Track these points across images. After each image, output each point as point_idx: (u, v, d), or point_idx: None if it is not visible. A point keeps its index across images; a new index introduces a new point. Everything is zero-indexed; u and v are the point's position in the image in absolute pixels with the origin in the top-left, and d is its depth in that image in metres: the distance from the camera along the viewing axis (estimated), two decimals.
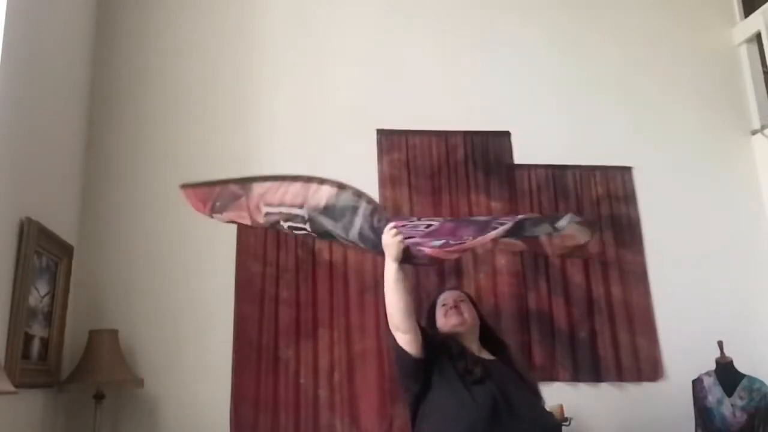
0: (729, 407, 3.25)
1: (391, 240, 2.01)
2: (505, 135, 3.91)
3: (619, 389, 3.63)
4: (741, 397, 3.25)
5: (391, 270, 2.02)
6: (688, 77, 4.28)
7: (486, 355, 2.27)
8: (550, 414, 2.26)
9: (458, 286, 3.60)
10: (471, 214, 3.76)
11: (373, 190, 3.38)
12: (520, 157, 3.89)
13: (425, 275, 3.61)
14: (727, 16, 4.51)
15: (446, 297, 2.36)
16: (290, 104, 3.81)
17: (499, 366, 2.22)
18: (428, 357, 2.10)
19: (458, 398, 2.04)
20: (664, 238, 3.89)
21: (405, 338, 2.06)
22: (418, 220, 2.46)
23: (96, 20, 3.75)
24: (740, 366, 3.34)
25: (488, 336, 2.36)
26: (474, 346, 2.26)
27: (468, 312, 2.29)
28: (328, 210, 2.11)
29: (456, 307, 2.29)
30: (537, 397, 2.27)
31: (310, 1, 4.09)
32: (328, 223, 2.13)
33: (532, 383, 2.30)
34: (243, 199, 2.24)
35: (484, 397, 2.01)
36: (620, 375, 3.62)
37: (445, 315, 2.28)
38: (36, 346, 2.86)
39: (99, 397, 3.03)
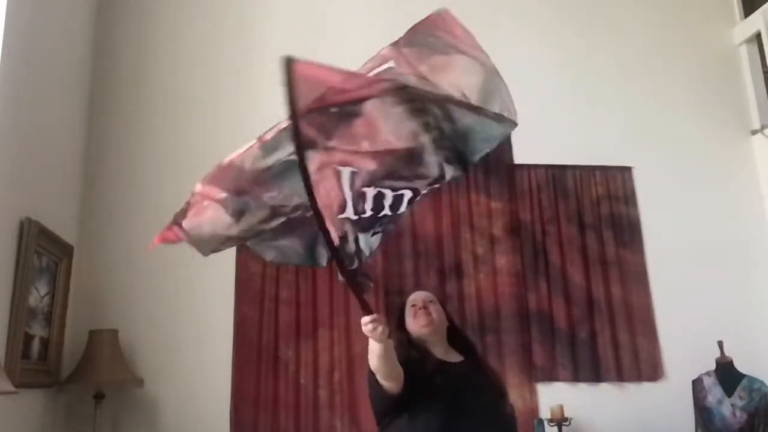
0: (729, 407, 3.25)
1: (371, 335, 1.87)
2: None
3: (619, 389, 3.63)
4: (741, 397, 3.25)
5: (375, 348, 1.96)
6: (689, 77, 4.28)
7: (453, 357, 2.27)
8: (509, 417, 2.27)
9: (458, 287, 3.62)
10: (471, 214, 3.76)
11: None
12: (520, 157, 3.89)
13: (426, 276, 3.61)
14: (727, 16, 4.51)
15: (415, 298, 2.37)
16: None
17: (462, 369, 2.22)
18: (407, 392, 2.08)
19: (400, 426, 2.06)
20: (664, 238, 3.89)
21: (389, 384, 2.05)
22: None
23: (96, 20, 3.74)
24: (740, 366, 3.34)
25: (457, 337, 2.36)
26: (440, 347, 2.27)
27: (436, 313, 2.30)
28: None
29: (425, 308, 2.30)
30: (501, 398, 2.28)
31: (311, 0, 4.10)
32: None
33: (498, 384, 2.32)
34: None
35: (429, 420, 2.03)
36: (620, 375, 3.62)
37: (414, 316, 2.29)
38: (36, 346, 2.86)
39: (99, 397, 3.03)
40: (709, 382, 3.34)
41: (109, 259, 3.44)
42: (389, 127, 1.69)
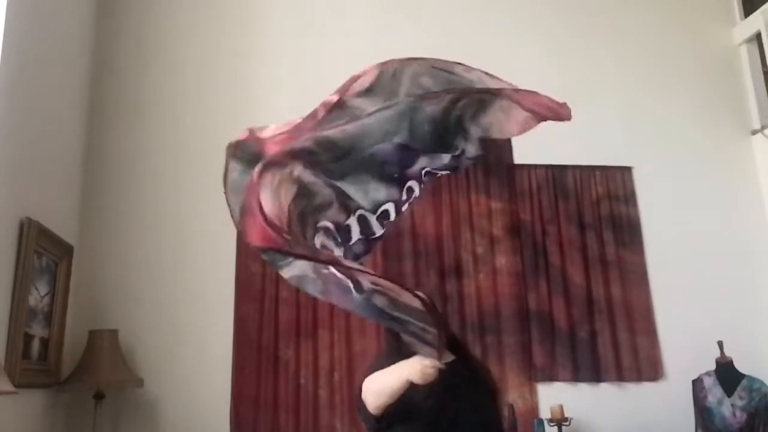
0: (729, 407, 3.25)
1: (424, 377, 1.91)
2: None
3: (619, 389, 3.63)
4: (741, 397, 3.25)
5: (402, 382, 1.96)
6: (688, 77, 4.28)
7: (444, 357, 2.27)
8: (497, 416, 2.27)
9: (458, 287, 3.62)
10: (471, 214, 3.76)
11: None
12: (520, 157, 3.89)
13: (426, 276, 3.61)
14: (727, 16, 4.51)
15: None
16: (292, 103, 3.79)
17: (451, 368, 2.21)
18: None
19: None
20: (664, 238, 3.89)
21: (376, 411, 2.07)
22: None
23: (96, 20, 3.74)
24: (740, 366, 3.34)
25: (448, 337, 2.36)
26: None
27: None
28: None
29: None
30: (493, 396, 2.27)
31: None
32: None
33: (490, 382, 2.31)
34: None
35: (417, 427, 2.03)
36: (620, 375, 3.63)
37: None
38: (36, 346, 2.86)
39: (99, 397, 3.03)
40: (709, 382, 3.34)
41: (109, 259, 3.44)
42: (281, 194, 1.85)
